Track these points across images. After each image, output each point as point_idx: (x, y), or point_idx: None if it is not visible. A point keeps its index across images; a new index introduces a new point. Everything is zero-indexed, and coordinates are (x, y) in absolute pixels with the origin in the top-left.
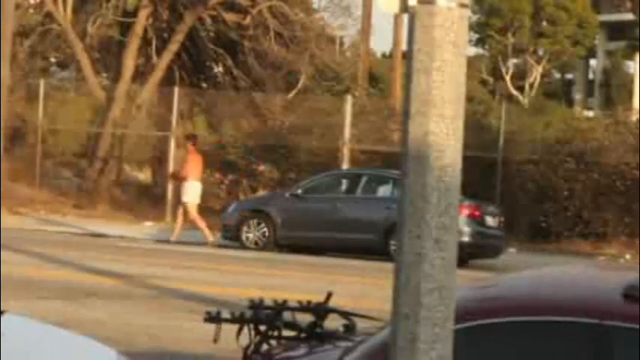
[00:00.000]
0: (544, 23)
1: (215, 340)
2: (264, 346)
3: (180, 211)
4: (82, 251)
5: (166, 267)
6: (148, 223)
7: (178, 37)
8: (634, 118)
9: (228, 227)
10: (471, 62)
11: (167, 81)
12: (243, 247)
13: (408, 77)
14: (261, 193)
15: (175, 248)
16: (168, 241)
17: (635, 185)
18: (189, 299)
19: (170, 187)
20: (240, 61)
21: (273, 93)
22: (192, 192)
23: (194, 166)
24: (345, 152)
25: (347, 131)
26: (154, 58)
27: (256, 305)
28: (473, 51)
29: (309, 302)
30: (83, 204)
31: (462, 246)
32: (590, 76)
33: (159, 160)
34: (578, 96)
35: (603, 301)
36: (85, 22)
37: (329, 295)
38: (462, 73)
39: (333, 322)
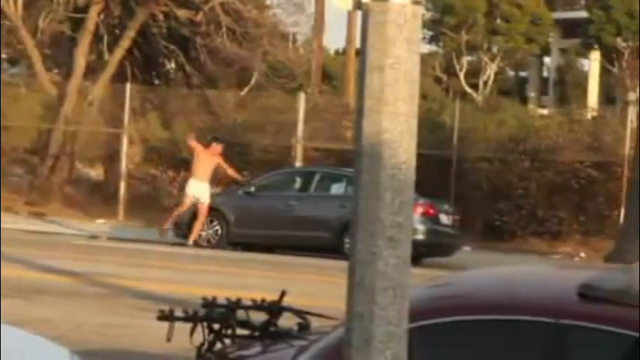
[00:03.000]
0: (498, 20)
1: (168, 339)
2: (218, 345)
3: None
4: (33, 249)
5: (119, 265)
6: (100, 221)
7: (130, 34)
8: (588, 116)
9: (180, 225)
10: (425, 60)
11: (119, 77)
12: (195, 244)
13: (361, 75)
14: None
15: (128, 246)
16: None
17: (590, 184)
18: (143, 297)
19: (122, 185)
20: (193, 58)
21: (226, 90)
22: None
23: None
24: (299, 150)
25: (300, 129)
26: (106, 54)
27: (210, 304)
28: (427, 48)
29: (262, 301)
30: (35, 201)
31: (416, 244)
32: (545, 73)
33: (111, 158)
34: (532, 94)
35: (559, 300)
36: (36, 18)
37: (283, 294)
38: (416, 71)
39: (288, 321)
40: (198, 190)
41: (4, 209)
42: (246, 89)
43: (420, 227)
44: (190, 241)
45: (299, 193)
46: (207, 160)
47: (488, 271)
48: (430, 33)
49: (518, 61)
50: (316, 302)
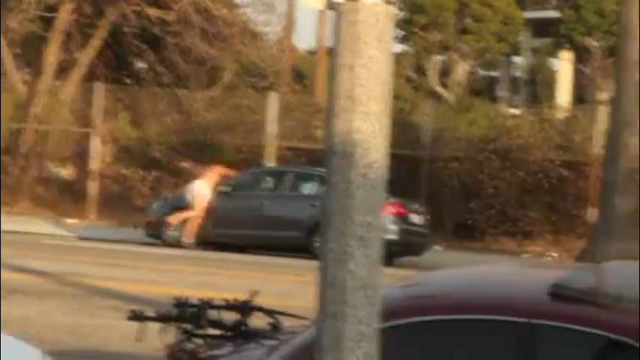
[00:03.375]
0: (468, 20)
1: (139, 339)
2: (189, 345)
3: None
4: (3, 248)
5: (90, 264)
6: (71, 220)
7: (101, 33)
8: (559, 115)
9: (151, 224)
10: (397, 59)
11: (90, 77)
12: (167, 244)
13: (332, 74)
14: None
15: (99, 246)
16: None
17: (561, 183)
18: (115, 297)
19: (93, 184)
20: (164, 57)
21: (197, 89)
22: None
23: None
24: (270, 149)
25: (272, 128)
26: (77, 53)
27: (181, 303)
28: (398, 48)
29: (234, 300)
30: (5, 201)
31: (387, 244)
32: (516, 73)
33: (81, 157)
34: (503, 93)
35: (530, 299)
36: (7, 17)
37: (254, 293)
38: (388, 70)
39: (259, 321)
40: (206, 192)
41: None
42: (217, 88)
43: (391, 227)
44: (192, 239)
45: (270, 193)
46: (213, 175)
47: (459, 271)
48: (402, 32)
49: (489, 60)
50: (288, 302)
